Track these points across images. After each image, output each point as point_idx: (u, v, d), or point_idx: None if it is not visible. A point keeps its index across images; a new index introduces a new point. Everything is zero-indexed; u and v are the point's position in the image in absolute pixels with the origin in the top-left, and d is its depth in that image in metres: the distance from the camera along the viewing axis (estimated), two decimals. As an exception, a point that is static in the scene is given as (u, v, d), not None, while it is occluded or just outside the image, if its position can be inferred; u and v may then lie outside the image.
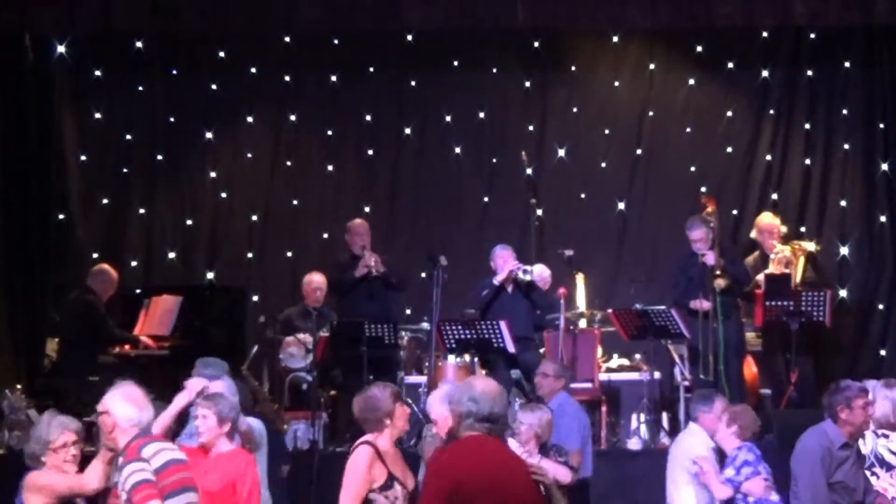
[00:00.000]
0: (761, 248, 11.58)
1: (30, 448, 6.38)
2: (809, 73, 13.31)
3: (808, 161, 13.26)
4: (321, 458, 9.91)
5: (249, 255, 13.41)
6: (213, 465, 6.50)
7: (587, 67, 13.48)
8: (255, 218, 13.39)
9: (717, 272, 10.71)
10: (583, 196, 13.34)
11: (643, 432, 10.59)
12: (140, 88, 13.35)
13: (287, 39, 13.29)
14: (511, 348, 10.52)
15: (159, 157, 13.38)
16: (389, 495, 6.18)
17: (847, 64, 13.22)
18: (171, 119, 13.41)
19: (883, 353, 12.81)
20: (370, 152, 13.49)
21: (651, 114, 13.40)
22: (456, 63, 13.44)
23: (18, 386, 11.43)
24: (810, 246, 11.70)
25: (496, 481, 5.19)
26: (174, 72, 13.42)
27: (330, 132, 13.49)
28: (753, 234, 11.74)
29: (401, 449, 6.64)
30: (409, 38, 13.25)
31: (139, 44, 13.21)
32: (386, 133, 13.52)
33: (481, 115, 13.43)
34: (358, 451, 6.32)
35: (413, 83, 13.49)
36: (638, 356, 11.73)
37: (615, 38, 13.38)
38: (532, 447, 7.60)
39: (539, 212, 12.55)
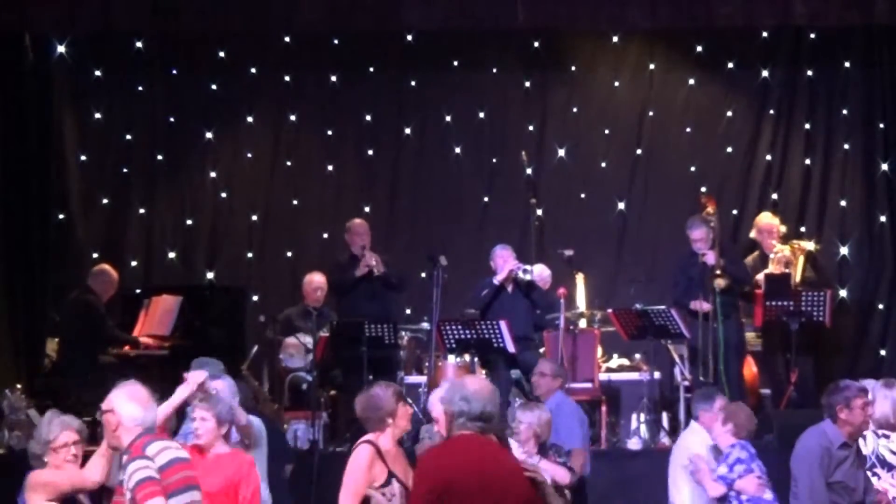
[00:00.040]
0: (760, 248, 11.58)
1: (32, 448, 6.40)
2: (809, 73, 13.31)
3: (808, 161, 13.26)
4: (321, 458, 9.92)
5: (249, 255, 13.41)
6: (211, 466, 6.50)
7: (587, 67, 13.48)
8: (255, 218, 13.39)
9: (717, 272, 10.71)
10: (583, 196, 13.34)
11: (643, 432, 10.59)
12: (140, 88, 13.35)
13: (287, 39, 13.29)
14: (511, 348, 10.52)
15: (159, 157, 13.38)
16: (387, 492, 6.18)
17: (847, 64, 13.22)
18: (171, 119, 13.41)
19: (883, 353, 12.81)
20: (370, 152, 13.49)
21: (651, 114, 13.40)
22: (456, 63, 13.44)
23: (18, 386, 11.43)
24: (809, 245, 11.70)
25: (485, 480, 5.18)
26: (174, 72, 13.42)
27: (330, 132, 13.49)
28: (753, 234, 11.74)
29: (403, 448, 6.64)
30: (409, 38, 13.25)
31: (139, 44, 13.21)
32: (386, 133, 13.52)
33: (481, 115, 13.43)
34: (359, 451, 6.32)
35: (413, 83, 13.49)
36: (638, 356, 11.74)
37: (615, 38, 13.38)
38: (531, 447, 7.60)
39: (539, 212, 12.54)
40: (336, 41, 13.29)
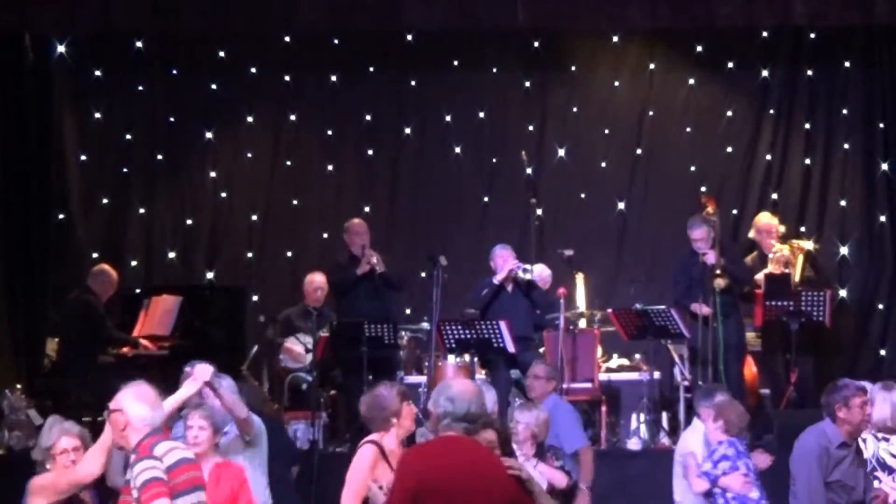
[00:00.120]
0: (759, 248, 11.59)
1: (34, 455, 6.42)
2: (809, 73, 13.31)
3: (808, 161, 13.26)
4: (321, 458, 9.92)
5: (249, 255, 13.41)
6: (211, 478, 6.47)
7: (587, 67, 13.48)
8: (255, 218, 13.39)
9: (718, 272, 10.70)
10: (583, 196, 13.35)
11: (643, 432, 10.59)
12: (140, 88, 13.36)
13: (287, 39, 13.29)
14: (511, 348, 10.52)
15: (159, 157, 13.39)
16: (385, 485, 6.17)
17: (847, 64, 13.23)
18: (171, 119, 13.41)
19: (883, 353, 12.81)
20: (370, 152, 13.49)
21: (651, 114, 13.40)
22: (456, 63, 13.44)
23: (18, 386, 11.44)
24: (808, 245, 11.71)
25: (465, 480, 5.17)
26: (174, 72, 13.42)
27: (330, 132, 13.49)
28: (752, 234, 11.75)
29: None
30: (409, 38, 13.25)
31: (139, 44, 13.21)
32: (386, 133, 13.52)
33: (481, 115, 13.43)
34: (362, 450, 6.32)
35: (413, 83, 13.49)
36: (638, 356, 11.74)
37: (615, 38, 13.38)
38: (528, 448, 7.59)
39: (539, 212, 12.54)
40: (336, 41, 13.29)
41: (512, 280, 11.14)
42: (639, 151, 13.41)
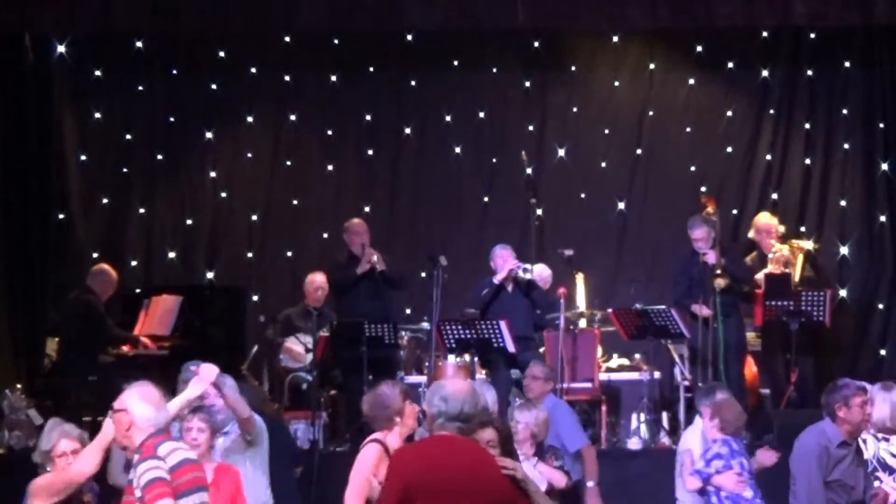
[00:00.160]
0: (759, 248, 11.59)
1: (34, 458, 6.43)
2: (809, 73, 13.31)
3: (808, 161, 13.26)
4: (321, 458, 9.92)
5: (249, 255, 13.42)
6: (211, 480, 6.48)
7: (587, 67, 13.48)
8: (255, 218, 13.39)
9: (718, 272, 10.70)
10: (583, 196, 13.35)
11: (643, 432, 10.59)
12: (140, 88, 13.36)
13: (287, 39, 13.29)
14: (511, 348, 10.53)
15: (159, 157, 13.39)
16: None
17: (847, 64, 13.23)
18: (171, 119, 13.41)
19: (883, 353, 12.81)
20: (370, 152, 13.49)
21: (651, 114, 13.40)
22: (456, 63, 13.44)
23: (18, 386, 11.45)
24: (808, 245, 11.71)
25: (457, 479, 5.17)
26: (174, 72, 13.42)
27: (330, 132, 13.49)
28: (751, 234, 11.75)
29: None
30: (409, 38, 13.25)
31: (139, 44, 13.21)
32: (386, 133, 13.52)
33: (481, 115, 13.43)
34: (366, 449, 6.32)
35: (413, 83, 13.49)
36: (638, 356, 11.74)
37: (615, 38, 13.38)
38: (528, 448, 7.59)
39: (539, 212, 12.54)
40: (336, 41, 13.29)
41: (512, 280, 11.14)
42: (639, 151, 13.41)
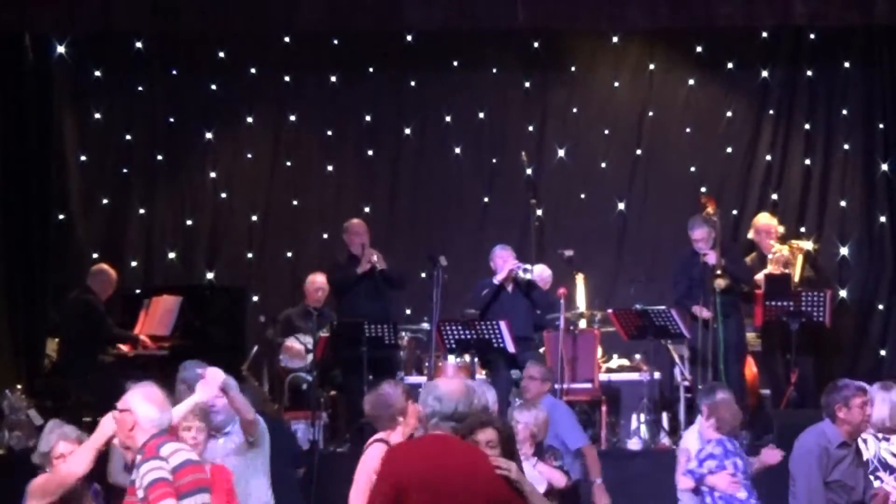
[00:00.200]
0: (758, 249, 11.59)
1: (34, 459, 6.43)
2: (809, 73, 13.31)
3: (808, 161, 13.26)
4: (321, 458, 9.92)
5: (249, 255, 13.42)
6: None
7: (587, 67, 13.48)
8: (255, 218, 13.39)
9: (718, 272, 10.70)
10: (583, 196, 13.35)
11: (643, 432, 10.60)
12: (140, 88, 13.36)
13: (287, 39, 13.29)
14: (511, 348, 10.53)
15: (159, 157, 13.39)
16: None
17: (847, 64, 13.23)
18: (171, 119, 13.42)
19: (883, 353, 12.81)
20: (370, 152, 13.49)
21: (651, 114, 13.40)
22: (456, 63, 13.44)
23: (18, 386, 11.45)
24: (807, 245, 11.71)
25: (449, 478, 5.16)
26: (174, 72, 13.42)
27: (330, 132, 13.49)
28: (750, 235, 11.75)
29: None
30: (409, 38, 13.25)
31: (139, 44, 13.22)
32: (386, 133, 13.53)
33: (481, 115, 13.43)
34: (371, 449, 6.32)
35: (413, 83, 13.49)
36: (638, 356, 11.74)
37: (615, 38, 13.38)
38: (528, 448, 7.58)
39: (539, 212, 12.54)
40: (336, 41, 13.29)
41: (512, 280, 11.14)
42: (639, 151, 13.41)
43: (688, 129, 13.39)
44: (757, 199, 13.15)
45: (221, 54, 13.31)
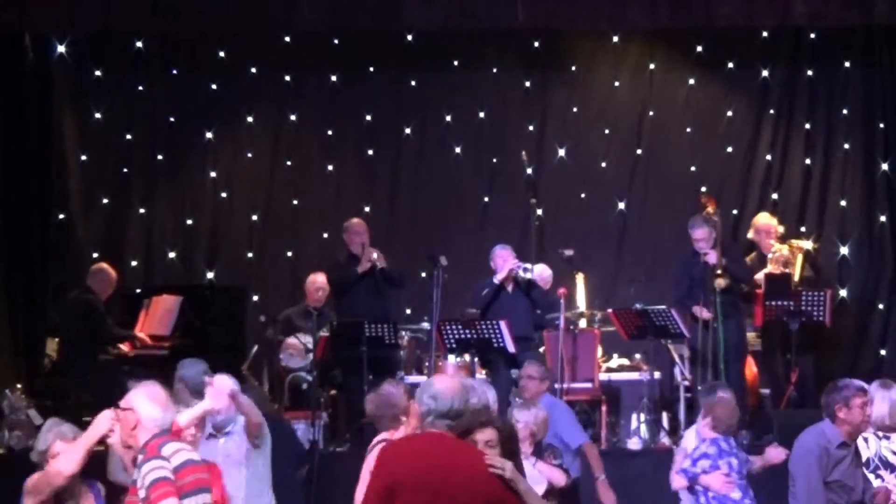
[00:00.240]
0: (758, 249, 11.59)
1: (32, 457, 6.42)
2: (809, 73, 13.31)
3: (808, 161, 13.26)
4: (321, 458, 9.91)
5: (249, 255, 13.42)
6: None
7: (587, 67, 13.48)
8: (255, 218, 13.39)
9: (718, 272, 10.70)
10: (583, 196, 13.35)
11: (643, 432, 10.60)
12: (140, 88, 13.35)
13: (287, 39, 13.29)
14: (511, 348, 10.53)
15: (159, 157, 13.38)
16: None
17: (847, 64, 13.23)
18: (171, 119, 13.41)
19: (883, 353, 12.81)
20: (370, 152, 13.49)
21: (651, 114, 13.40)
22: (456, 63, 13.44)
23: (18, 386, 11.45)
24: (807, 244, 11.72)
25: (443, 477, 5.14)
26: (174, 72, 13.42)
27: (330, 132, 13.49)
28: (750, 235, 11.76)
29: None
30: (409, 38, 13.25)
31: (139, 44, 13.21)
32: (386, 133, 13.52)
33: (481, 115, 13.43)
34: (375, 450, 6.31)
35: (413, 83, 13.49)
36: (638, 356, 11.74)
37: (615, 38, 13.38)
38: (527, 447, 7.58)
39: (539, 212, 12.54)
40: (336, 41, 13.29)
41: (512, 280, 11.15)
42: (639, 151, 13.42)
43: (688, 129, 13.39)
44: (757, 199, 13.15)
45: (221, 54, 13.31)
